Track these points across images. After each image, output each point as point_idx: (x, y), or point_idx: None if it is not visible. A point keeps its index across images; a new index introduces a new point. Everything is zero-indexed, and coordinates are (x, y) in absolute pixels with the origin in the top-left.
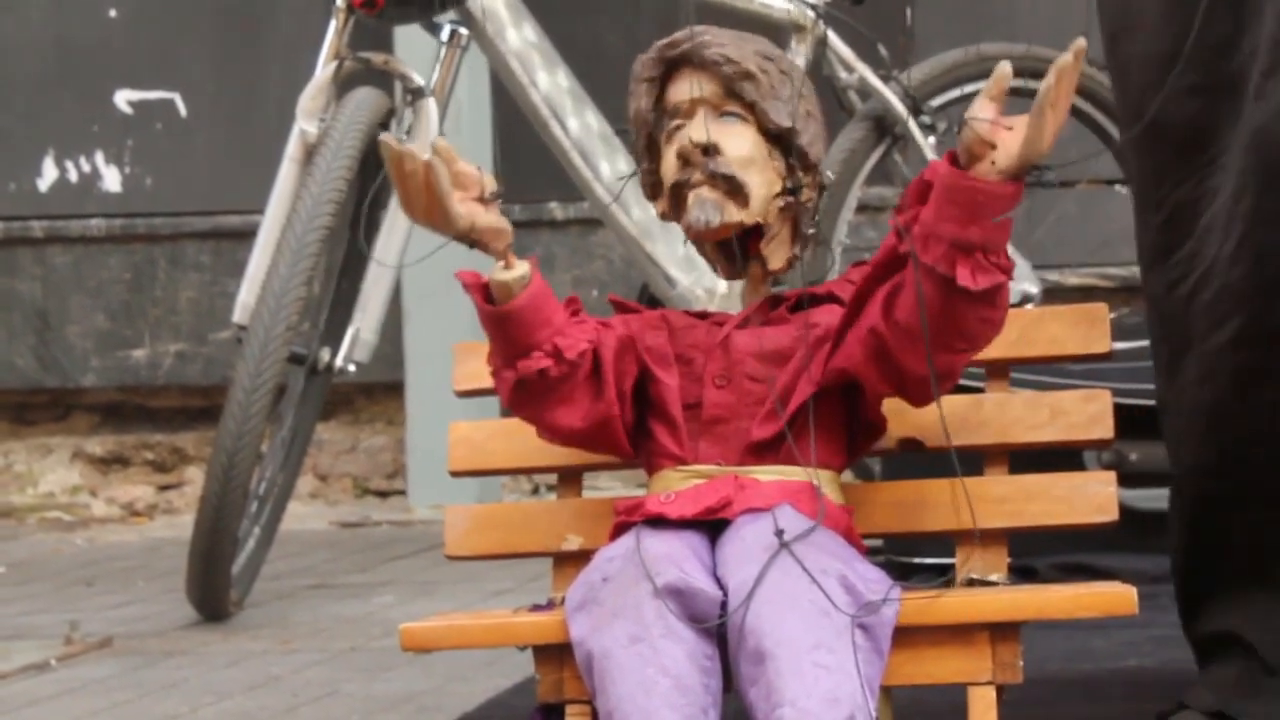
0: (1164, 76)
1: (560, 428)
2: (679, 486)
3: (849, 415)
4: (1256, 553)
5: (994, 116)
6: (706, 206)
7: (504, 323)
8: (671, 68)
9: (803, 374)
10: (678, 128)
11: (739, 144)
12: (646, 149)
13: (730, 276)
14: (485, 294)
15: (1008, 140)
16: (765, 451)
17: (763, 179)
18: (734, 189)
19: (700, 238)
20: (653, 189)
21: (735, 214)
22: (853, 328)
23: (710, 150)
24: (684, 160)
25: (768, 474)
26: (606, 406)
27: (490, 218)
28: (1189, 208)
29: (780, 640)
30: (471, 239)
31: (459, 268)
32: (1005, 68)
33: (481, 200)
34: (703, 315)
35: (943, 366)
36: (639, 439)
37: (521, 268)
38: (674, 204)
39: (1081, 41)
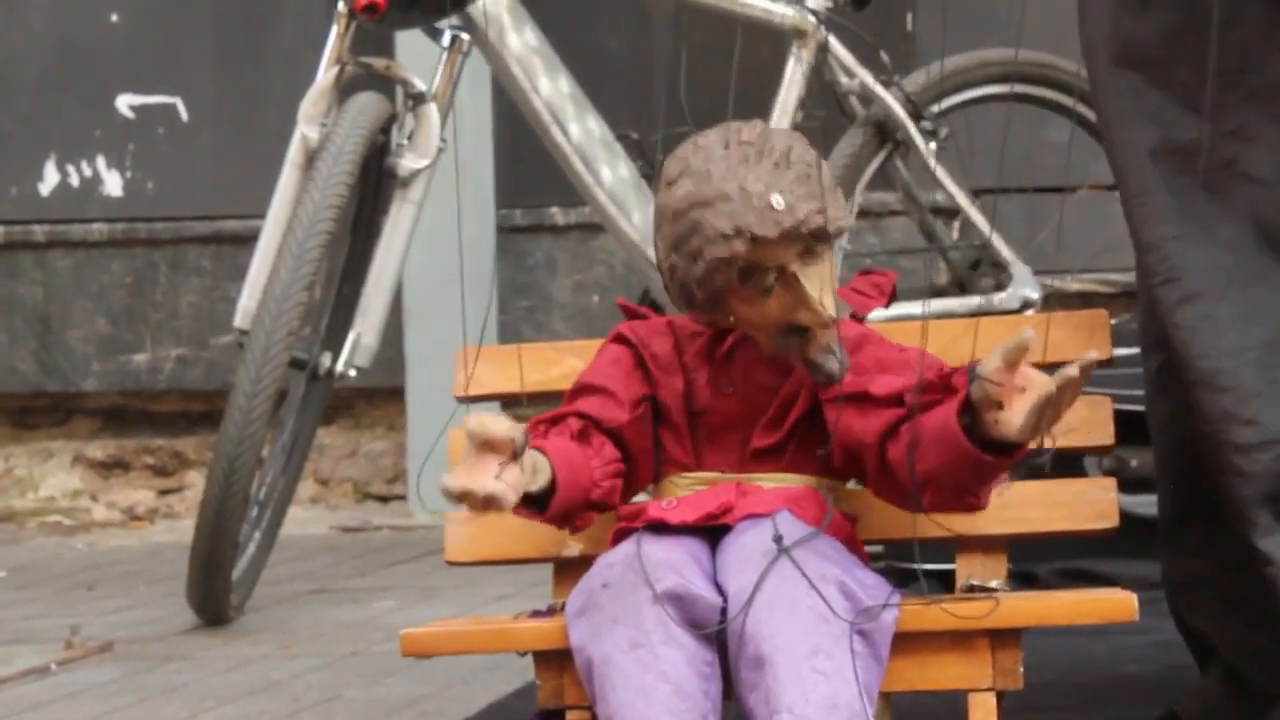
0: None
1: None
2: (683, 493)
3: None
4: (1229, 574)
5: (1007, 380)
6: (831, 353)
7: (550, 518)
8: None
9: (805, 384)
10: (769, 280)
11: (828, 273)
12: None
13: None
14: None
15: (1015, 408)
16: (768, 458)
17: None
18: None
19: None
20: (693, 307)
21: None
22: (859, 434)
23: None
24: (792, 329)
25: (771, 480)
26: (645, 479)
27: (526, 477)
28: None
29: (779, 646)
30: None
31: (458, 274)
32: (1027, 337)
33: (513, 456)
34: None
35: (944, 511)
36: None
37: (543, 473)
38: (778, 342)
39: (1093, 356)
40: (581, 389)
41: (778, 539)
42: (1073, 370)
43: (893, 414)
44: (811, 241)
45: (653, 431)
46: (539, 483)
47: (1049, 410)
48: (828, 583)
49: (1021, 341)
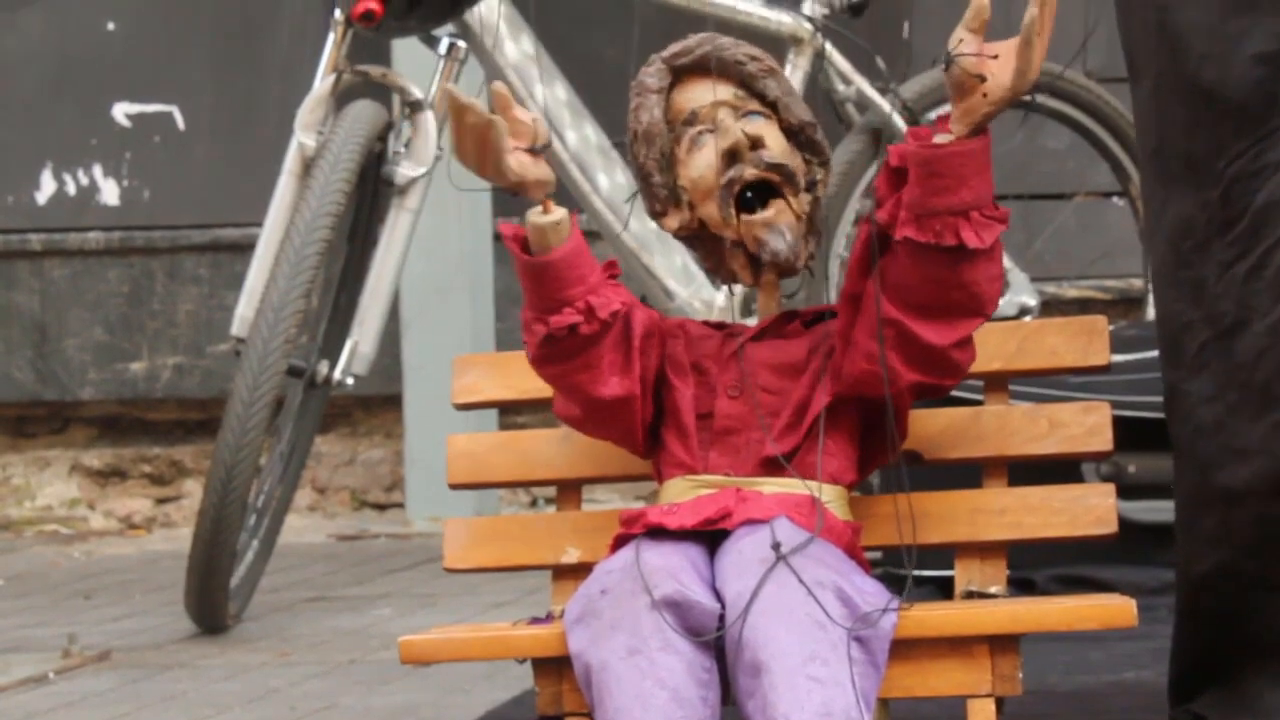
0: (1225, 46)
1: (583, 393)
2: (685, 497)
3: (864, 428)
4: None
5: (978, 49)
6: (780, 233)
7: (540, 274)
8: (678, 76)
9: (818, 387)
10: (700, 133)
11: (775, 138)
12: (658, 162)
13: (753, 282)
14: (523, 245)
15: (996, 71)
16: (776, 465)
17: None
18: (786, 177)
19: (772, 267)
20: (664, 202)
21: (804, 246)
22: (857, 326)
23: (756, 144)
24: (732, 157)
25: (772, 486)
26: (630, 384)
27: (539, 170)
28: (1246, 182)
29: (774, 653)
30: (516, 190)
31: (455, 281)
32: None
33: (531, 151)
34: (719, 326)
35: (960, 335)
36: (651, 448)
37: (559, 213)
38: (723, 203)
39: None
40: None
41: (776, 546)
42: None
43: (864, 278)
44: (738, 89)
45: (653, 379)
46: (553, 218)
47: (1037, 40)
48: (825, 589)
49: (977, 6)
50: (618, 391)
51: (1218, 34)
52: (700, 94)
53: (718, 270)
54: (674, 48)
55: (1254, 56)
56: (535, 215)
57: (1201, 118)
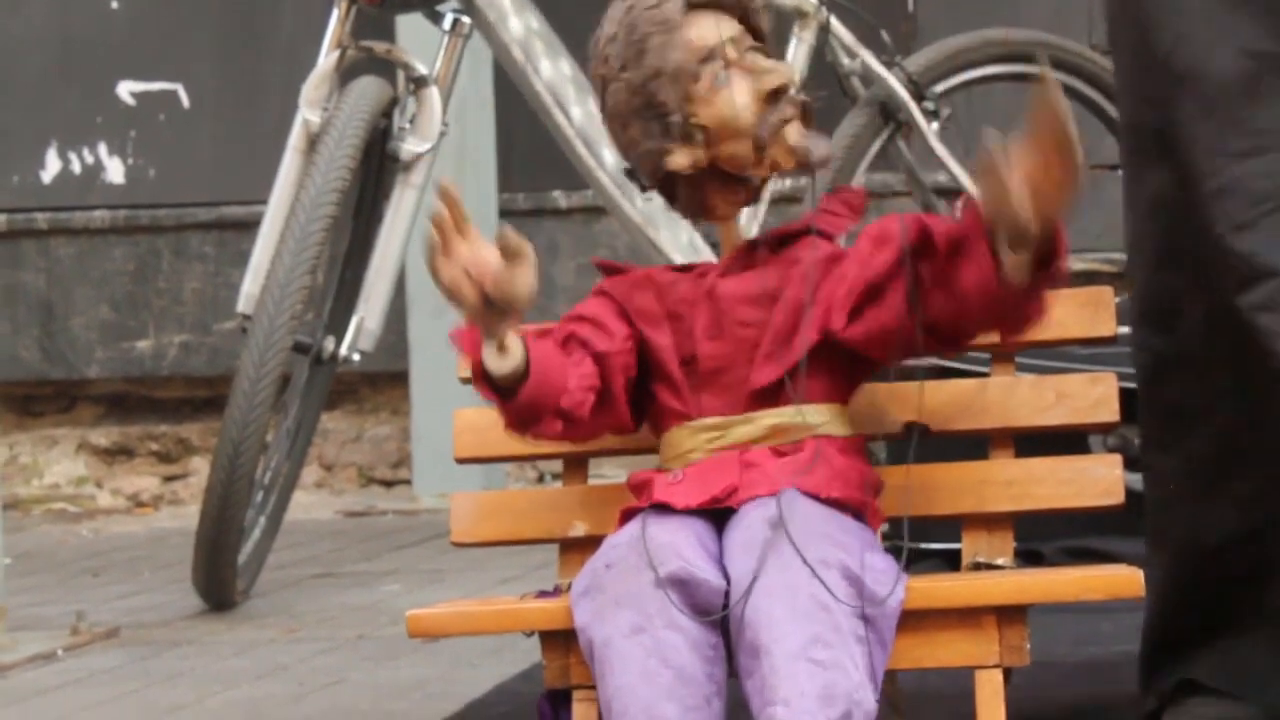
0: (1208, 34)
1: (575, 443)
2: (688, 446)
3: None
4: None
5: (1000, 158)
6: (813, 137)
7: (513, 410)
8: (685, 12)
9: (799, 311)
10: (725, 69)
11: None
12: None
13: (725, 217)
14: (485, 376)
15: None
16: (768, 396)
17: None
18: (809, 111)
19: (798, 167)
20: (675, 140)
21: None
22: (897, 312)
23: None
24: (770, 99)
25: (769, 419)
26: (616, 419)
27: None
28: (1212, 161)
29: (775, 636)
30: (488, 318)
31: None
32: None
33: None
34: (686, 268)
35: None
36: (643, 404)
37: (516, 353)
38: (773, 142)
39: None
40: (570, 319)
41: (775, 522)
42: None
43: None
44: (738, 23)
45: (635, 381)
46: (509, 364)
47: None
48: (830, 568)
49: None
50: (611, 430)
51: (1198, 17)
52: (707, 29)
53: (695, 210)
54: None
55: (1238, 50)
56: (492, 359)
57: (1173, 97)
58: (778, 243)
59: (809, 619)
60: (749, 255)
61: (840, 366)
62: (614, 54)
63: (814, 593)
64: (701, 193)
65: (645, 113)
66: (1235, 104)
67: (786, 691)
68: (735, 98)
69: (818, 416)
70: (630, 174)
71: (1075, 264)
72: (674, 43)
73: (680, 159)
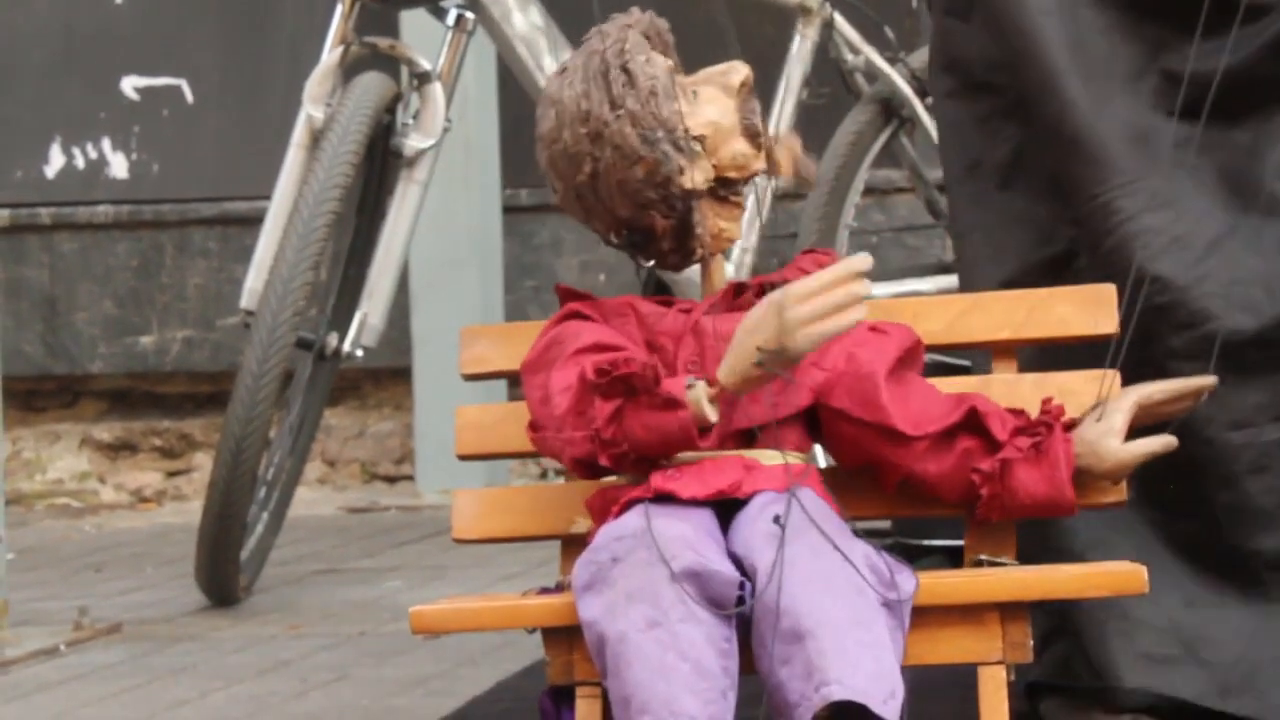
0: (1100, 98)
1: None
2: (675, 463)
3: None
4: None
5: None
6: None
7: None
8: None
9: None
10: (691, 85)
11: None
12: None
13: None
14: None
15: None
16: (747, 437)
17: None
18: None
19: (794, 175)
20: (685, 159)
21: None
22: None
23: None
24: (741, 90)
25: (770, 459)
26: None
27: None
28: (1100, 222)
29: (821, 620)
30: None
31: (464, 254)
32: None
33: None
34: (667, 303)
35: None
36: None
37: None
38: (751, 134)
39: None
40: (597, 348)
41: (796, 512)
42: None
43: (954, 463)
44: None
45: None
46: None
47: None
48: (855, 556)
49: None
50: None
51: (1095, 82)
52: (657, 58)
53: (686, 253)
54: (626, 18)
55: (1125, 121)
56: (707, 405)
57: (1066, 154)
58: (760, 290)
59: (849, 603)
60: (735, 297)
61: (801, 418)
62: (597, 102)
63: (848, 578)
64: (704, 218)
65: (655, 134)
66: None
67: (839, 671)
68: (707, 104)
69: (797, 459)
70: (630, 245)
71: None
72: (652, 59)
73: (697, 175)
